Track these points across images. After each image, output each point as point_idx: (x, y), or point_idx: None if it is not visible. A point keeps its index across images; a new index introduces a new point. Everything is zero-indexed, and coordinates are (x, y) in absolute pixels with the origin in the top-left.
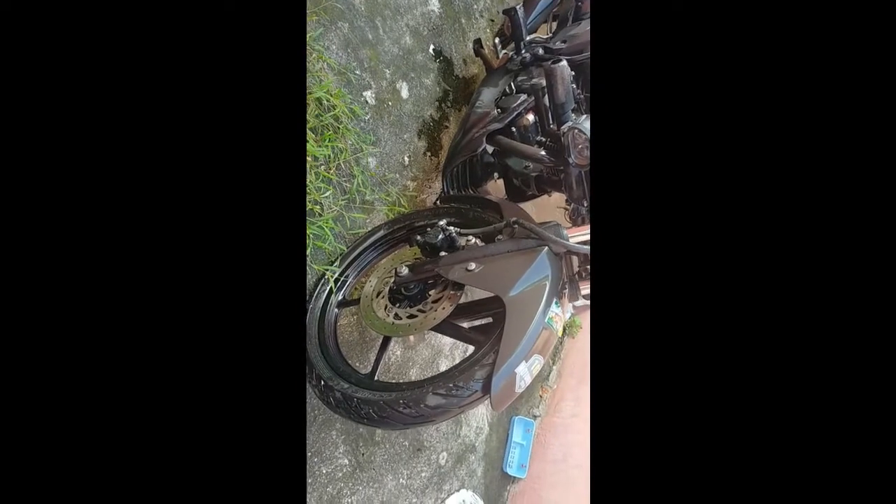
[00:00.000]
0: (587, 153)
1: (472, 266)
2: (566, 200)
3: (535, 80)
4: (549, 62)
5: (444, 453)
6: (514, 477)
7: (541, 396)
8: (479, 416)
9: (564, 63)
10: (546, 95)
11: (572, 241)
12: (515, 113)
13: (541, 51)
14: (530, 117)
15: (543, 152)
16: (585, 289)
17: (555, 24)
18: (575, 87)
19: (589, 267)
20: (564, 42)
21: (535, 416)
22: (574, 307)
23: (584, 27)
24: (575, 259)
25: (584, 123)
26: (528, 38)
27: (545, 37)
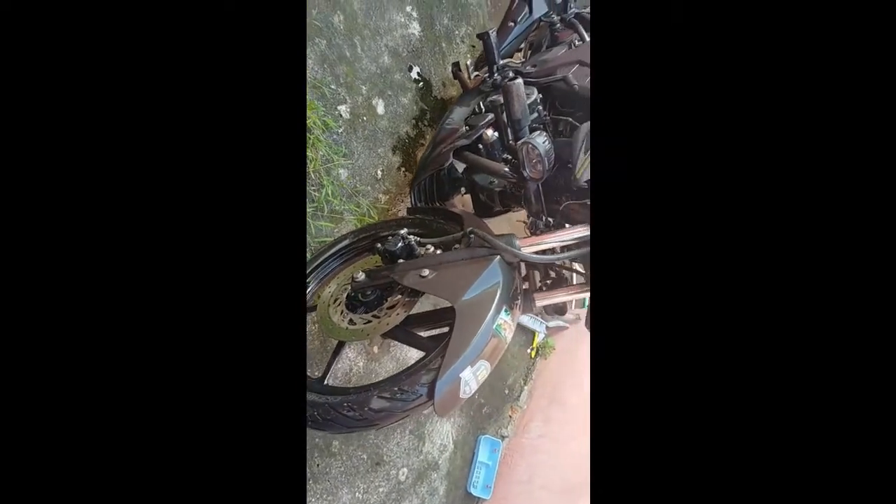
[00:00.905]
0: (540, 167)
1: (426, 272)
2: (527, 215)
3: (493, 97)
4: (506, 80)
5: (405, 469)
6: (479, 497)
7: (510, 416)
8: (444, 433)
9: (520, 81)
10: (504, 112)
11: (530, 250)
12: (480, 130)
13: (511, 74)
14: (489, 132)
15: (507, 168)
16: (543, 301)
17: (530, 51)
18: (542, 108)
19: (549, 281)
20: (535, 66)
21: (503, 437)
22: (548, 328)
23: (556, 53)
24: (538, 274)
25: (538, 139)
26: (501, 62)
27: (518, 61)
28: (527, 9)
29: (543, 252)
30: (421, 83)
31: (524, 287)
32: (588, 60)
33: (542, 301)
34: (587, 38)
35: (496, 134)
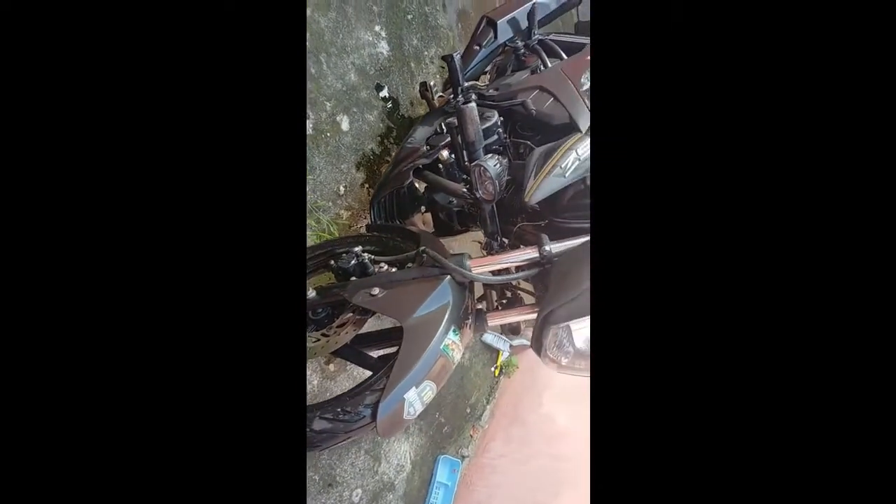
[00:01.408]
0: (491, 189)
1: (376, 291)
2: (483, 235)
3: (450, 120)
4: (459, 102)
5: (359, 490)
6: None
7: (471, 436)
8: (402, 453)
9: (473, 105)
10: (459, 134)
11: (483, 269)
12: (437, 151)
13: (474, 96)
14: (445, 153)
15: (465, 188)
16: (496, 321)
17: (496, 74)
18: (502, 131)
19: (505, 301)
20: (497, 90)
21: (463, 457)
22: (512, 346)
23: (519, 77)
24: (494, 293)
25: (489, 161)
26: (465, 84)
27: (483, 84)
28: (492, 33)
29: (497, 272)
30: (389, 101)
31: (478, 307)
32: (548, 86)
33: (494, 321)
34: (549, 65)
35: (452, 155)
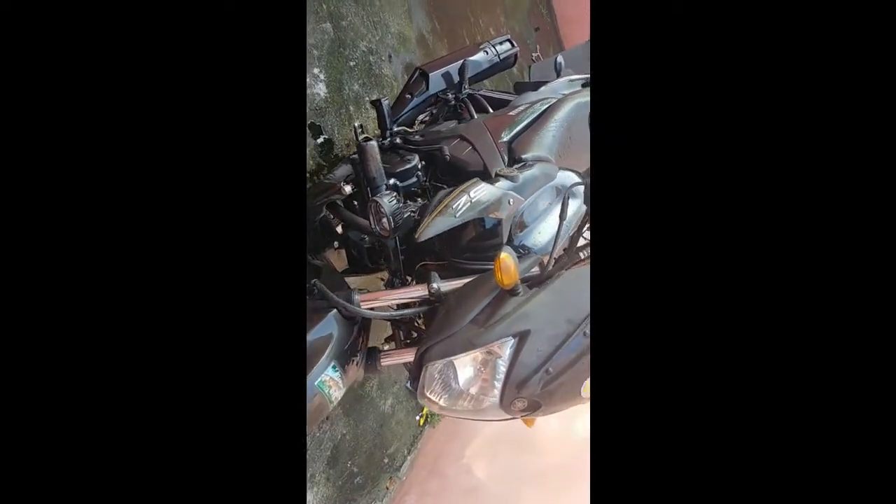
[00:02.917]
0: (386, 224)
1: None
2: (387, 272)
3: (353, 156)
4: (362, 140)
5: None
6: None
7: (387, 488)
8: None
9: (374, 142)
10: (361, 171)
11: (373, 304)
12: (339, 184)
13: (398, 140)
14: (347, 188)
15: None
16: (389, 360)
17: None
18: (422, 174)
19: (409, 340)
20: (423, 136)
21: None
22: None
23: (447, 125)
24: (401, 332)
25: (384, 198)
26: (394, 128)
27: (412, 129)
28: (424, 84)
29: (386, 309)
30: (322, 140)
31: (377, 345)
32: (468, 136)
33: (390, 360)
34: (476, 117)
35: (355, 189)
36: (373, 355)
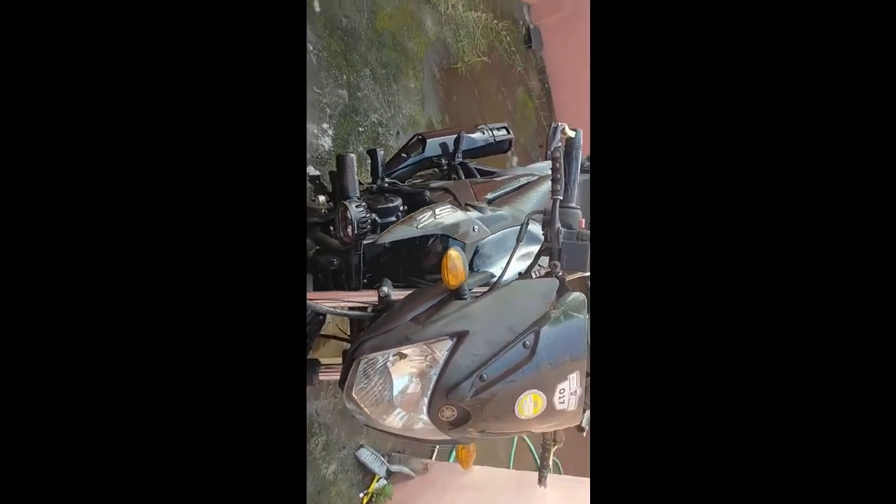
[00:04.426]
0: (350, 230)
1: None
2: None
3: (332, 170)
4: (344, 154)
5: None
6: None
7: None
8: None
9: (353, 155)
10: (338, 181)
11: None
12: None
13: (386, 184)
14: (322, 198)
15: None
16: (329, 375)
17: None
18: (401, 215)
19: None
20: (410, 186)
21: None
22: (389, 472)
23: (435, 182)
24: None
25: (352, 205)
26: (385, 178)
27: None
28: (421, 148)
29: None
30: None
31: (317, 357)
32: (452, 190)
33: (325, 375)
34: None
35: (331, 203)
36: (312, 366)
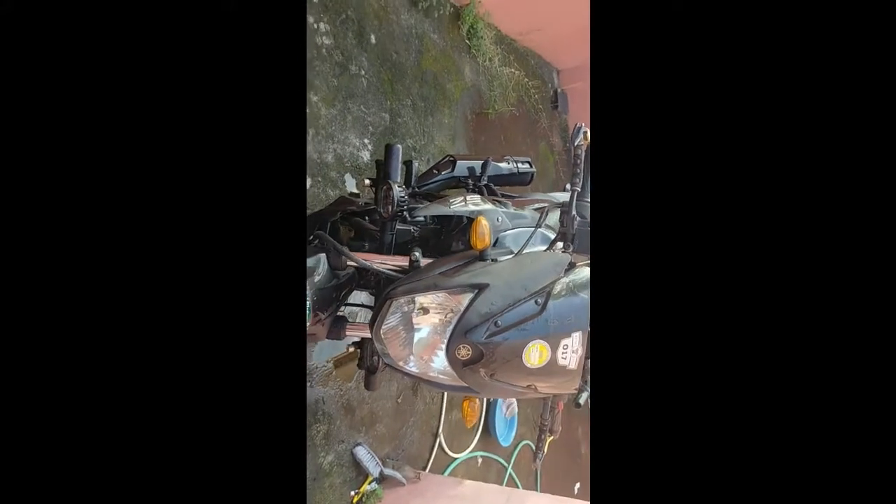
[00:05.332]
0: (389, 207)
1: None
2: None
3: (378, 159)
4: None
5: None
6: None
7: None
8: None
9: (399, 146)
10: (383, 167)
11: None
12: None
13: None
14: (367, 181)
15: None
16: (356, 331)
17: None
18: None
19: None
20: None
21: None
22: (382, 475)
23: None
24: None
25: (396, 186)
26: (415, 186)
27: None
28: (451, 167)
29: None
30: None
31: (344, 317)
32: None
33: (352, 330)
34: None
35: (373, 187)
36: (340, 322)
